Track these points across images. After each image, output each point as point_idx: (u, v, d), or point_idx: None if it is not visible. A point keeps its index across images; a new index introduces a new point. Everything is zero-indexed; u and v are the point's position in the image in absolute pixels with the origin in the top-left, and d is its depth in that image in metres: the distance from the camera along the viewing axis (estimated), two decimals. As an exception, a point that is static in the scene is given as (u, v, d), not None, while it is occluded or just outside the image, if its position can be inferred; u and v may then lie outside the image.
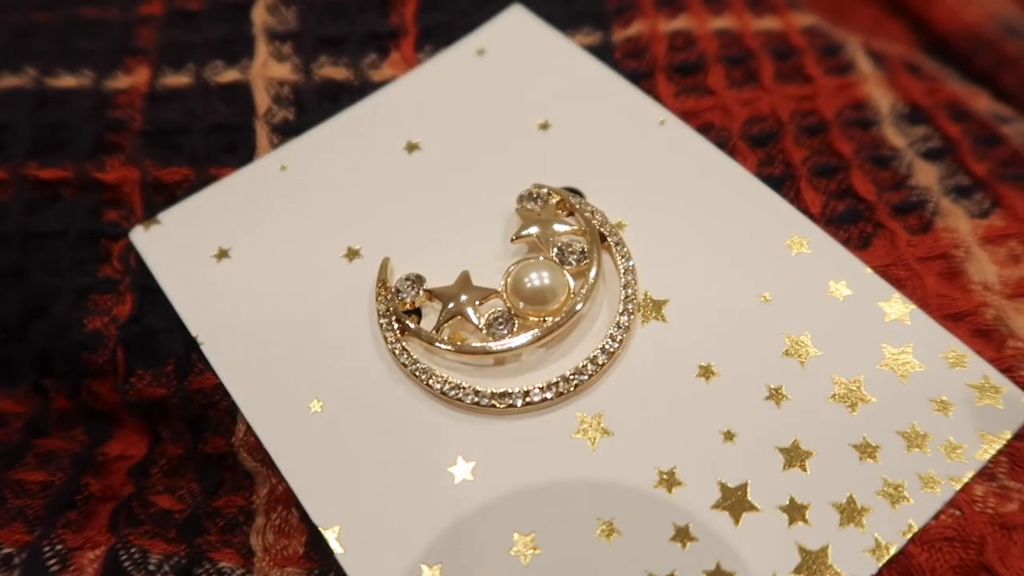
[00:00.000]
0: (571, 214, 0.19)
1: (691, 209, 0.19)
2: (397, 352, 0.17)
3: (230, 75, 0.23)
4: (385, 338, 0.18)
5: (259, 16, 0.24)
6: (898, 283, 0.19)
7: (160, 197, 0.21)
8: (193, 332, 0.18)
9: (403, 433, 0.17)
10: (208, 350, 0.18)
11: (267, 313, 0.19)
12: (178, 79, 0.23)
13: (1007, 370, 0.17)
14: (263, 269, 0.19)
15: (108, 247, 0.20)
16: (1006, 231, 0.19)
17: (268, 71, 0.23)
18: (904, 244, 0.19)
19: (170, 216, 0.20)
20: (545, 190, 0.19)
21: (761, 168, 0.20)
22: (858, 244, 0.19)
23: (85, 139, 0.21)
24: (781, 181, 0.20)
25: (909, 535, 0.15)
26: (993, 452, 0.16)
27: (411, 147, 0.21)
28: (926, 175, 0.20)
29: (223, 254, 0.19)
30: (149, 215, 0.21)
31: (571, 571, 0.15)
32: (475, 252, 0.19)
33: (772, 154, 0.21)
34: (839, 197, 0.20)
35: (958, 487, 0.16)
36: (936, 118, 0.22)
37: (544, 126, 0.21)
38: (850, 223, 0.20)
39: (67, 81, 0.22)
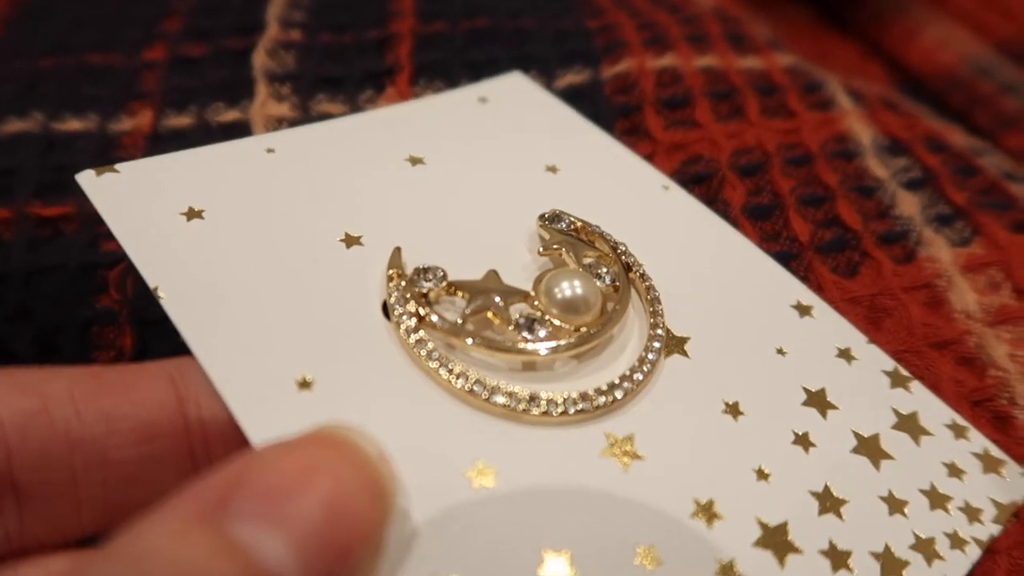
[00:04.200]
0: (591, 243, 0.19)
1: (703, 268, 0.19)
2: (414, 343, 0.16)
3: (231, 115, 0.23)
4: (399, 327, 0.16)
5: (259, 60, 0.25)
6: (885, 312, 0.19)
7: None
8: (150, 283, 0.16)
9: (413, 430, 0.16)
10: (169, 305, 0.16)
11: (246, 281, 0.16)
12: (180, 120, 0.23)
13: (988, 400, 0.18)
14: (242, 238, 0.17)
15: (105, 276, 0.20)
16: (985, 259, 0.19)
17: (267, 110, 0.23)
18: (890, 274, 0.20)
19: (131, 168, 0.18)
20: (567, 215, 0.19)
21: (749, 198, 0.21)
22: (846, 272, 0.20)
23: (89, 178, 0.22)
24: (770, 210, 0.21)
25: None
26: (1005, 519, 0.16)
27: (414, 160, 0.20)
28: (909, 205, 0.21)
29: (194, 214, 0.17)
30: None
31: None
32: (497, 260, 0.18)
33: (760, 184, 0.21)
34: (826, 226, 0.21)
35: (982, 549, 0.16)
36: (915, 150, 0.23)
37: (552, 169, 0.21)
38: (838, 251, 0.20)
39: (73, 125, 0.23)
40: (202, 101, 0.24)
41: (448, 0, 0.27)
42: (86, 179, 0.18)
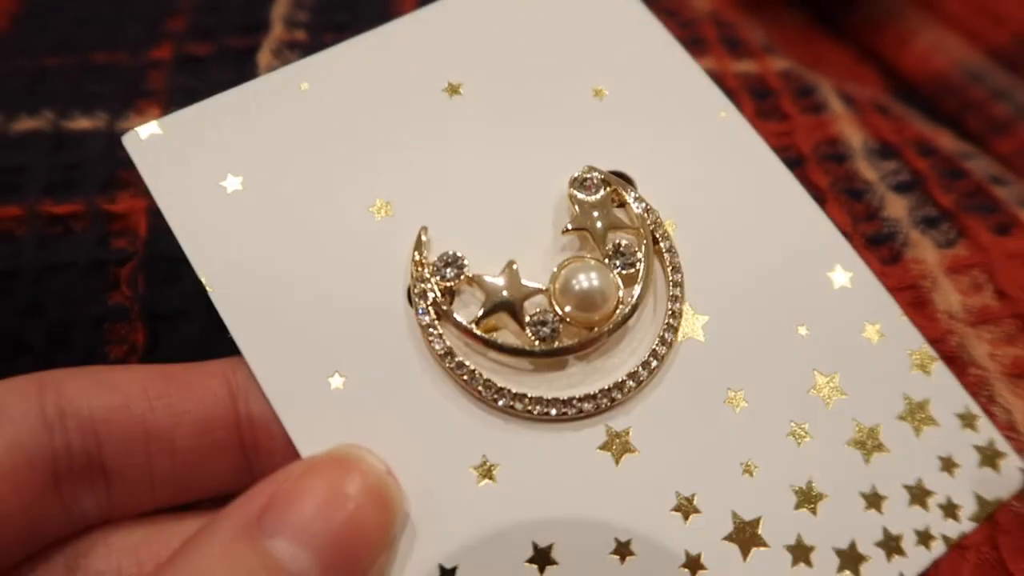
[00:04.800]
0: (622, 205, 0.18)
1: (741, 219, 0.19)
2: (432, 338, 0.17)
3: (237, 116, 0.24)
4: (419, 320, 0.17)
5: (264, 60, 0.26)
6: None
7: (164, 223, 0.22)
8: (201, 276, 0.17)
9: (427, 425, 0.17)
10: (218, 299, 0.17)
11: (283, 263, 0.17)
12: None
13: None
14: (278, 211, 0.18)
15: (116, 273, 0.21)
16: (969, 260, 0.20)
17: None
18: (877, 274, 0.20)
19: (171, 124, 0.18)
20: (598, 176, 0.18)
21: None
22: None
23: (98, 177, 0.22)
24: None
25: None
26: (985, 515, 0.17)
27: (452, 89, 0.19)
28: (897, 207, 0.22)
29: (234, 181, 0.18)
30: (154, 238, 0.21)
31: None
32: (520, 233, 0.18)
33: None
34: (816, 228, 0.21)
35: (948, 545, 0.16)
36: (904, 153, 0.23)
37: (598, 93, 0.19)
38: (827, 252, 0.21)
39: (82, 123, 0.23)
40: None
41: None
42: (131, 141, 0.18)
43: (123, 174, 0.22)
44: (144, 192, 0.22)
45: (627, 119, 0.19)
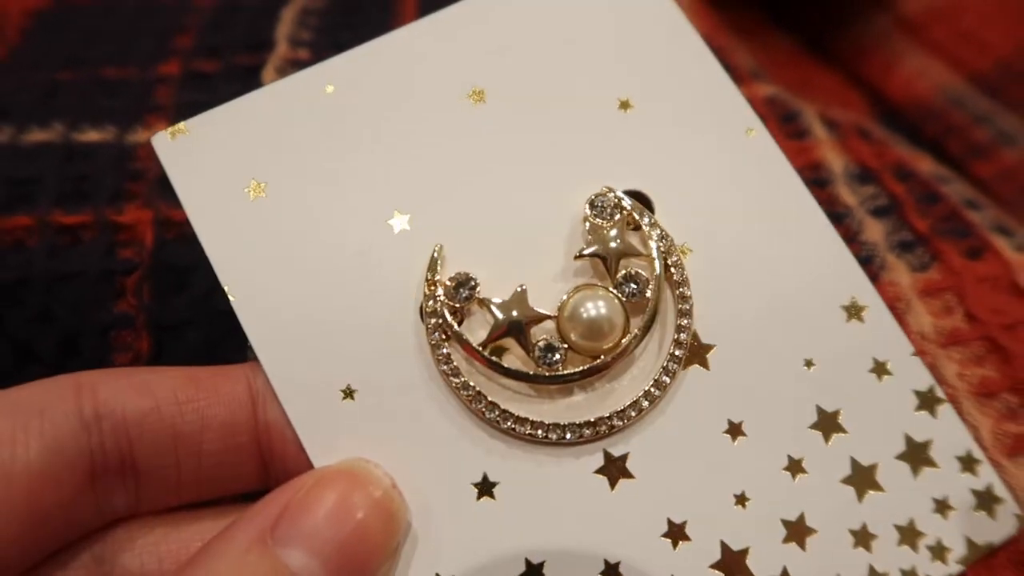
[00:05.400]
0: (638, 228, 0.18)
1: (759, 246, 0.18)
2: (440, 357, 0.17)
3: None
4: (429, 338, 0.17)
5: (269, 77, 0.26)
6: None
7: (170, 234, 0.23)
8: (224, 283, 0.18)
9: (432, 442, 0.17)
10: (240, 308, 0.17)
11: (302, 274, 0.18)
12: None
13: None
14: (300, 219, 0.18)
15: (123, 282, 0.22)
16: (941, 284, 0.21)
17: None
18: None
19: (199, 125, 0.19)
20: (614, 199, 0.18)
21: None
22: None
23: (107, 189, 0.23)
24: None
25: None
26: (974, 559, 0.17)
27: (477, 95, 0.19)
28: (874, 231, 0.23)
29: (259, 189, 0.18)
30: (159, 248, 0.22)
31: None
32: (534, 254, 0.18)
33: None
34: (796, 250, 0.22)
35: None
36: (883, 178, 0.24)
37: (625, 105, 0.19)
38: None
39: (92, 136, 0.24)
40: (214, 115, 0.25)
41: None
42: (160, 142, 0.18)
43: (131, 186, 0.23)
44: (150, 204, 0.23)
45: (652, 133, 0.19)
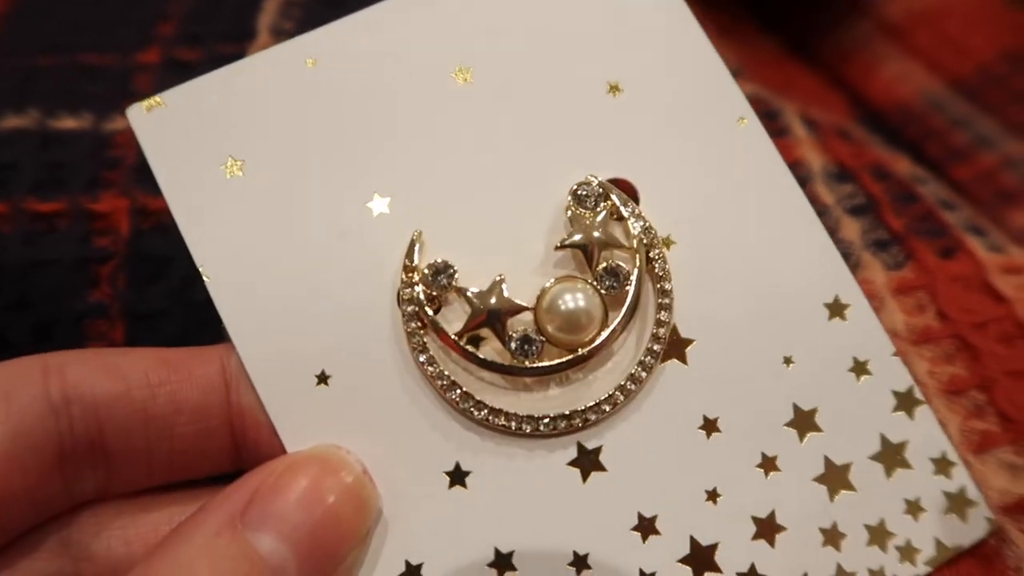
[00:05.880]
0: (621, 219, 0.18)
1: (744, 239, 0.18)
2: (415, 345, 0.17)
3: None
4: (405, 326, 0.17)
5: (250, 68, 0.26)
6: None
7: (147, 224, 0.22)
8: (198, 262, 0.17)
9: (405, 429, 0.17)
10: (214, 289, 0.17)
11: (278, 257, 0.17)
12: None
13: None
14: (277, 199, 0.18)
15: (98, 271, 0.21)
16: (915, 283, 0.21)
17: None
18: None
19: (175, 98, 0.18)
20: (597, 188, 0.18)
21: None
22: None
23: (83, 177, 0.23)
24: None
25: None
26: (942, 561, 0.17)
27: (463, 73, 0.18)
28: (850, 229, 0.23)
29: (235, 166, 0.18)
30: (135, 237, 0.21)
31: None
32: (514, 242, 0.18)
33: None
34: (774, 247, 0.22)
35: None
36: (861, 177, 0.24)
37: (615, 89, 0.19)
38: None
39: (68, 123, 0.24)
40: (194, 105, 0.25)
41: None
42: (135, 113, 0.18)
43: (107, 174, 0.23)
44: (127, 192, 0.23)
45: (640, 119, 0.19)
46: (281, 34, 0.28)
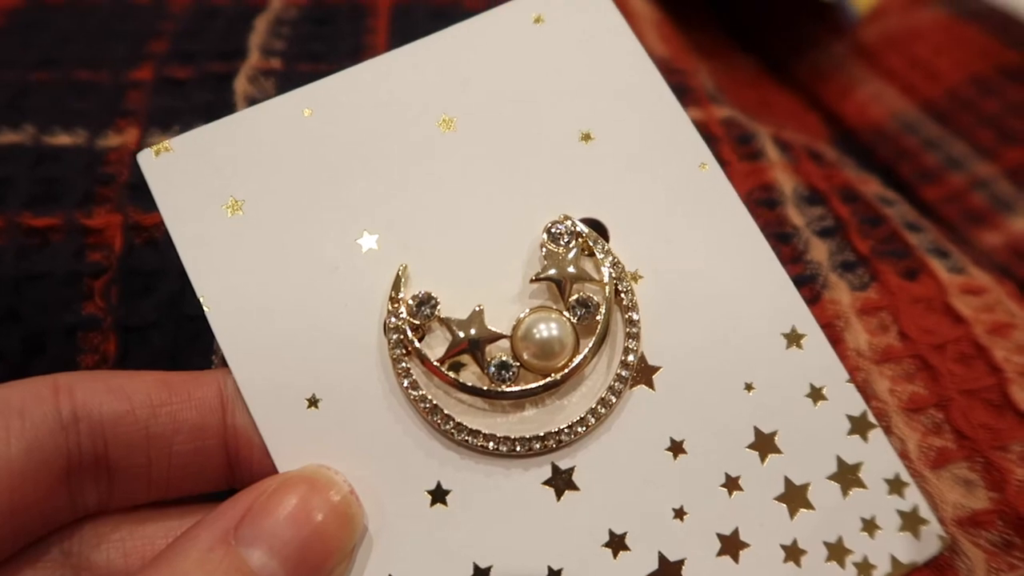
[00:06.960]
0: (591, 255, 0.19)
1: (706, 274, 0.19)
2: (400, 371, 0.18)
3: (213, 139, 0.25)
4: (390, 353, 0.18)
5: (241, 86, 0.27)
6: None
7: (139, 239, 0.23)
8: (199, 293, 0.19)
9: (390, 450, 0.18)
10: (213, 318, 0.18)
11: (274, 290, 0.19)
12: (164, 138, 0.25)
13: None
14: (274, 237, 0.19)
15: (91, 285, 0.22)
16: (878, 304, 0.22)
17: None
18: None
19: (182, 144, 0.20)
20: (570, 227, 0.19)
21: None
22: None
23: (77, 193, 0.23)
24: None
25: None
26: None
27: (446, 123, 0.20)
28: (819, 251, 0.24)
29: (236, 206, 0.19)
30: (128, 252, 0.22)
31: None
32: (493, 276, 0.19)
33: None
34: (745, 268, 0.23)
35: None
36: (830, 200, 0.25)
37: (587, 137, 0.20)
38: (754, 290, 0.23)
39: (62, 139, 0.25)
40: (186, 121, 0.26)
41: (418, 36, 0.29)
42: (145, 159, 0.20)
43: (101, 190, 0.24)
44: (120, 208, 0.23)
45: (610, 165, 0.20)
46: (271, 54, 0.28)
